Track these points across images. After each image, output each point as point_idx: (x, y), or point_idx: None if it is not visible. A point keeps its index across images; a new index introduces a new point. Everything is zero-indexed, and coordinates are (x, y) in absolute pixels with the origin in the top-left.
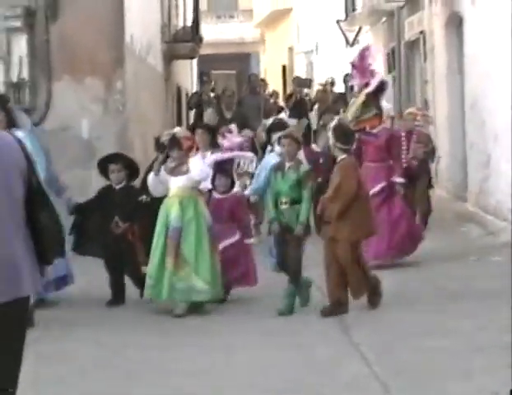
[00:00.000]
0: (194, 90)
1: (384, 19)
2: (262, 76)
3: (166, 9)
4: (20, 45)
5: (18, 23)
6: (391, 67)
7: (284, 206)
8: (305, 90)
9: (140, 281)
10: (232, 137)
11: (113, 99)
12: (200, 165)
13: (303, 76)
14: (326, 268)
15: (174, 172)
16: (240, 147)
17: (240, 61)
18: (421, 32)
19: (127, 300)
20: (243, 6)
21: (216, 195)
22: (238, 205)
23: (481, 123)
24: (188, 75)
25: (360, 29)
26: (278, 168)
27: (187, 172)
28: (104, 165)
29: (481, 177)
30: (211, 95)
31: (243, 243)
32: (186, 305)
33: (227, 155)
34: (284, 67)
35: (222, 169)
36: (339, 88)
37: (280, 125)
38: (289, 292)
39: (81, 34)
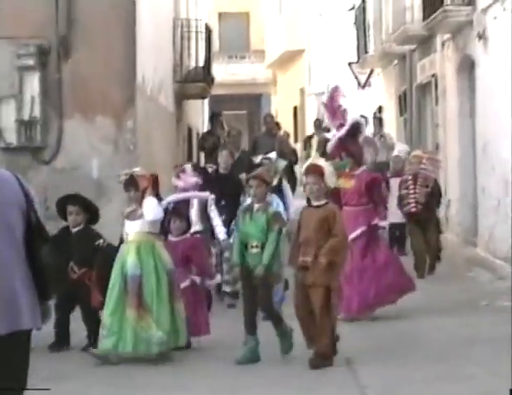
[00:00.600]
0: (206, 130)
1: (395, 62)
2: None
3: (178, 49)
4: (33, 83)
5: (31, 61)
6: (402, 109)
7: (254, 250)
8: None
9: (94, 328)
10: (187, 177)
11: (123, 139)
12: (153, 206)
13: (314, 117)
14: (302, 317)
15: (130, 216)
16: (196, 187)
17: (251, 101)
18: (433, 75)
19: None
20: (255, 47)
21: (171, 238)
22: (193, 248)
23: (491, 167)
24: (199, 115)
25: (371, 71)
26: (247, 209)
27: (142, 216)
28: (62, 205)
29: (491, 221)
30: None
31: (194, 290)
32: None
33: (182, 195)
34: (295, 109)
35: (177, 211)
36: None
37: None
38: (279, 334)
39: (93, 74)
